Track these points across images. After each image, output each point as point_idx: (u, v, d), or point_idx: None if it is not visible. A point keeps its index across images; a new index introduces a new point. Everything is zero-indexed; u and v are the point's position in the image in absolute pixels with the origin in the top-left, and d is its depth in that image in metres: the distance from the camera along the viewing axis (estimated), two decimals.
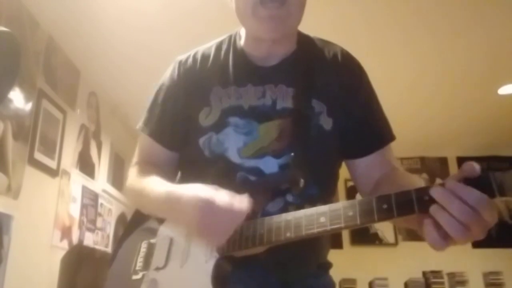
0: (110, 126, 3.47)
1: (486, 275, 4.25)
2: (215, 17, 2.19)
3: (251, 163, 0.87)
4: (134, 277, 0.91)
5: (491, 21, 2.50)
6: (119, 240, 1.04)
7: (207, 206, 0.74)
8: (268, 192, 0.83)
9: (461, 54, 2.83)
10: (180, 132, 0.97)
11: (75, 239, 2.73)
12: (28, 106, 2.24)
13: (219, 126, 0.91)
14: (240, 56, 0.98)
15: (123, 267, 0.95)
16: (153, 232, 0.94)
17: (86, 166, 2.98)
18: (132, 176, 1.00)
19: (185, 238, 0.87)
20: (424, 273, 4.21)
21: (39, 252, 2.32)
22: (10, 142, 2.06)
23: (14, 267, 2.01)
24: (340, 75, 0.95)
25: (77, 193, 2.81)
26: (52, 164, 2.48)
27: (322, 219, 0.69)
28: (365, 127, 0.94)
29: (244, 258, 0.80)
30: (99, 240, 3.15)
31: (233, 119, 0.91)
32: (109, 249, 3.36)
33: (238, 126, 0.90)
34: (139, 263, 0.92)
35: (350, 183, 4.61)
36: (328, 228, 0.68)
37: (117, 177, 3.99)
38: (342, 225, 0.67)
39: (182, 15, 2.41)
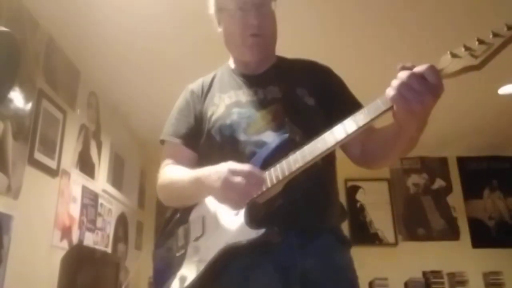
0: (110, 126, 3.47)
1: (486, 275, 4.25)
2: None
3: (256, 138, 1.07)
4: (178, 254, 1.07)
5: (491, 21, 2.50)
6: (159, 235, 1.19)
7: (227, 178, 0.93)
8: (274, 157, 0.99)
9: None
10: (195, 130, 1.18)
11: (75, 239, 2.73)
12: (28, 106, 2.24)
13: (225, 116, 1.13)
14: (233, 72, 1.25)
15: (166, 253, 1.12)
16: (185, 220, 1.11)
17: (86, 166, 2.98)
18: (162, 176, 1.18)
19: (214, 209, 1.04)
20: (424, 273, 4.21)
21: (39, 252, 2.32)
22: (10, 142, 2.06)
23: (14, 267, 2.01)
24: (313, 72, 1.22)
25: (77, 193, 2.81)
26: (52, 164, 2.48)
27: (320, 144, 0.92)
28: (342, 101, 1.16)
29: (265, 216, 0.96)
30: (99, 240, 3.15)
31: (236, 109, 1.14)
32: (109, 249, 3.36)
33: (241, 114, 1.12)
34: (180, 243, 1.09)
35: (350, 183, 4.62)
36: (324, 149, 0.91)
37: (117, 177, 3.99)
38: (339, 140, 0.90)
39: (183, 16, 2.41)
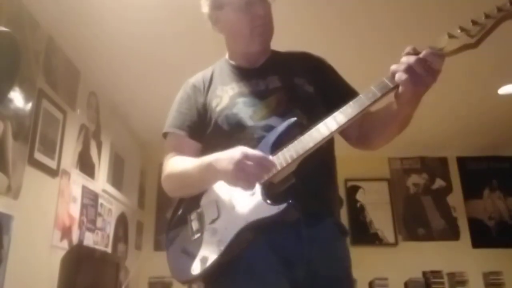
0: (110, 126, 3.47)
1: (486, 275, 4.25)
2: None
3: (263, 123, 1.12)
4: (194, 237, 1.08)
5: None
6: (168, 224, 1.19)
7: (241, 160, 0.96)
8: (282, 140, 1.04)
9: (461, 54, 2.83)
10: (198, 122, 1.21)
11: (75, 239, 2.73)
12: (28, 106, 2.24)
13: (231, 105, 1.17)
14: (233, 66, 1.29)
15: (180, 238, 1.12)
16: (195, 206, 1.12)
17: (86, 166, 2.98)
18: (169, 167, 1.20)
19: (227, 193, 1.06)
20: (424, 273, 4.21)
21: (39, 252, 2.32)
22: (10, 142, 2.06)
23: (14, 267, 2.01)
24: (308, 62, 1.28)
25: (77, 193, 2.81)
26: (52, 164, 2.48)
27: (330, 124, 0.98)
28: (338, 87, 1.23)
29: (279, 194, 1.00)
30: (99, 240, 3.15)
31: (240, 99, 1.17)
32: (109, 249, 3.36)
33: (246, 103, 1.16)
34: (195, 227, 1.09)
35: (350, 183, 4.62)
36: (334, 129, 0.97)
37: (117, 177, 4.00)
38: (352, 116, 0.97)
39: (182, 17, 2.41)
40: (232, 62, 1.31)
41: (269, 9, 1.23)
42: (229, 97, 1.19)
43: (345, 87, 1.24)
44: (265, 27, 1.22)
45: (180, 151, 1.21)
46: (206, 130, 1.20)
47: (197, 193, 1.13)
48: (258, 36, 1.21)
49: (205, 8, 1.27)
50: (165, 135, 1.26)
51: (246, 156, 0.97)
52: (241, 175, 0.96)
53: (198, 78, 1.30)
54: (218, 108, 1.18)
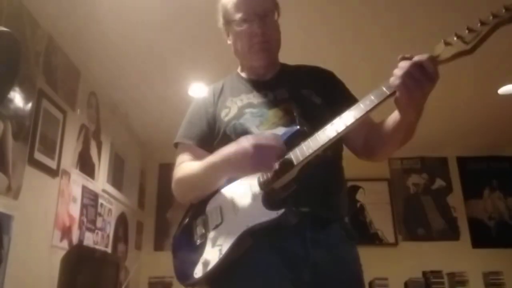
0: (110, 126, 3.47)
1: (486, 275, 4.25)
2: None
3: (269, 132, 1.11)
4: (198, 242, 1.12)
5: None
6: (177, 229, 1.22)
7: (254, 144, 1.00)
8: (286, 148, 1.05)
9: None
10: (208, 132, 1.25)
11: (75, 239, 2.73)
12: (28, 106, 2.24)
13: (239, 116, 1.21)
14: (243, 79, 1.34)
15: (186, 242, 1.16)
16: (202, 213, 1.16)
17: (86, 166, 2.98)
18: (179, 172, 1.23)
19: (230, 199, 1.11)
20: (424, 273, 4.20)
21: (39, 252, 2.32)
22: (10, 142, 2.06)
23: (14, 267, 2.01)
24: (317, 75, 1.33)
25: (77, 193, 2.81)
26: (52, 164, 2.48)
27: (329, 131, 0.99)
28: (347, 101, 1.19)
29: (281, 200, 1.02)
30: (99, 240, 3.15)
31: (249, 110, 1.21)
32: (109, 249, 3.36)
33: (253, 113, 1.20)
34: (200, 232, 1.13)
35: (350, 183, 4.62)
36: (332, 135, 0.98)
37: (117, 177, 4.00)
38: (348, 124, 0.97)
39: (182, 16, 2.41)
40: (243, 75, 1.36)
41: (271, 26, 1.26)
42: (237, 108, 1.23)
43: (354, 102, 1.25)
44: (263, 45, 1.25)
45: (190, 159, 1.24)
46: (215, 140, 1.23)
47: (208, 193, 1.16)
48: (256, 53, 1.26)
49: (220, 22, 1.33)
50: (176, 145, 1.31)
51: (260, 148, 0.99)
52: (260, 166, 1.01)
53: (209, 90, 1.35)
54: (227, 118, 1.22)
